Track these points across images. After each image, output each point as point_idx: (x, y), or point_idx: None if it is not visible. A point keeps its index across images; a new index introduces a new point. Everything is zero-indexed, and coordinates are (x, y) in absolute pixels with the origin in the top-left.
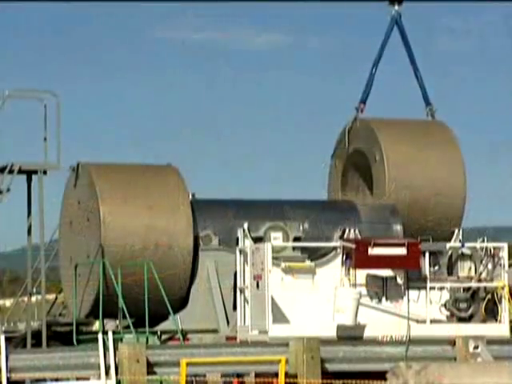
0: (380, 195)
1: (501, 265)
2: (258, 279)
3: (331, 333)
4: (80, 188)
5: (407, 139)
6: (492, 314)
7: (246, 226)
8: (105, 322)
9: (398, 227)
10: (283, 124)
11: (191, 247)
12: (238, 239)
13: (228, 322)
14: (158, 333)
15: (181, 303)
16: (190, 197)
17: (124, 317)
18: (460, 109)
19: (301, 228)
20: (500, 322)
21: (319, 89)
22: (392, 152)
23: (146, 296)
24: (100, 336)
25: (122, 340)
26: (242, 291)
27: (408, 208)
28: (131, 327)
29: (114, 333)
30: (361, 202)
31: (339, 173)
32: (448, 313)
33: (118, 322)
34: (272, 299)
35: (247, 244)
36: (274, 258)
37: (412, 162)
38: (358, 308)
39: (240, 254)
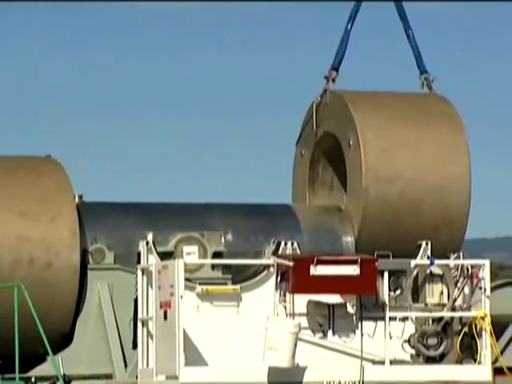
0: (355, 192)
1: (481, 288)
2: (165, 308)
3: (261, 377)
4: None
5: (393, 117)
6: (470, 352)
7: (150, 237)
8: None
9: (349, 239)
10: (222, 103)
11: (77, 265)
12: (139, 255)
13: (126, 365)
14: (33, 379)
15: (63, 339)
16: (77, 199)
17: None
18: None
19: (222, 240)
20: (480, 363)
21: (266, 56)
22: (371, 134)
23: (17, 330)
24: None
25: None
26: (144, 323)
27: (394, 209)
28: None
29: None
30: (326, 202)
31: (306, 164)
32: (413, 351)
33: None
34: (184, 334)
35: (152, 261)
36: (187, 279)
37: (399, 147)
38: (296, 345)
39: (142, 274)
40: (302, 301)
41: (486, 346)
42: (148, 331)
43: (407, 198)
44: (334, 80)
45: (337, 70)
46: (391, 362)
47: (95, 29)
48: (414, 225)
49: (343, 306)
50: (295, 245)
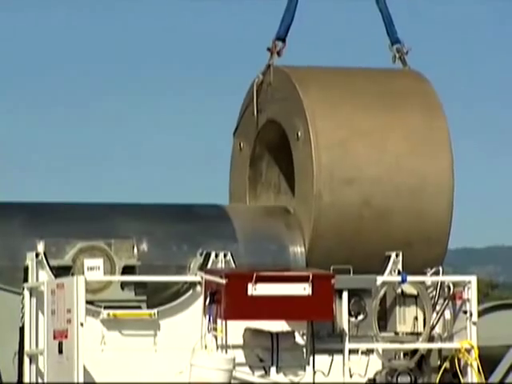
0: (305, 197)
1: (466, 312)
2: (61, 338)
3: None
4: None
5: (353, 100)
6: None
7: (41, 247)
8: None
9: (298, 249)
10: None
11: None
12: (26, 270)
13: None
14: None
15: None
16: None
17: None
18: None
19: (135, 251)
20: None
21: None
22: (325, 122)
23: None
24: None
25: None
26: (33, 358)
27: (354, 219)
28: None
29: None
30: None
31: (246, 161)
32: None
33: None
34: (85, 372)
35: (43, 278)
36: (89, 302)
37: (361, 139)
38: None
39: (30, 295)
40: (237, 329)
41: None
42: (37, 369)
43: (371, 204)
44: (279, 53)
45: (283, 40)
46: None
47: None
48: (380, 239)
49: (290, 335)
50: (229, 256)
